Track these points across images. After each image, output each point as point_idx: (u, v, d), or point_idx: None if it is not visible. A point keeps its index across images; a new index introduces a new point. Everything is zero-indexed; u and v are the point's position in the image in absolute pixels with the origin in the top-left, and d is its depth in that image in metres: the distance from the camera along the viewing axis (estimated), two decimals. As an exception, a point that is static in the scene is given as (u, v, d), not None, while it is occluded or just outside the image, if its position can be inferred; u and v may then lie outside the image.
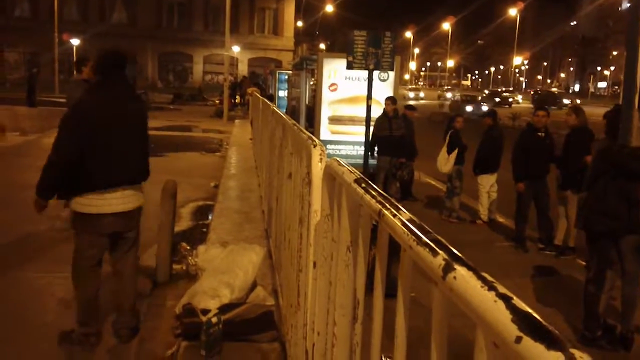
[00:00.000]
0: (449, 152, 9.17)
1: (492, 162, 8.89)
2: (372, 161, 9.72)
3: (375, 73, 7.99)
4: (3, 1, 47.55)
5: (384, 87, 9.31)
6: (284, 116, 4.45)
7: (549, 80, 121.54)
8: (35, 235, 6.57)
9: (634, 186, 4.76)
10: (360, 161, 8.10)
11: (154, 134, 4.78)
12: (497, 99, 52.23)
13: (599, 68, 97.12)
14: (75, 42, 39.90)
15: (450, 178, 9.29)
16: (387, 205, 1.45)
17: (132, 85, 4.34)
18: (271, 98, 19.20)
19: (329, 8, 64.62)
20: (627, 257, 4.89)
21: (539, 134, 7.64)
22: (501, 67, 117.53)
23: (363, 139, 7.81)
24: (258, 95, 13.02)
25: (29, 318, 4.74)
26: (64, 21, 42.93)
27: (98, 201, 3.99)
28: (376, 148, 9.77)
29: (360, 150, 8.51)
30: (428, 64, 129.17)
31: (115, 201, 4.04)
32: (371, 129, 8.85)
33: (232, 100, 29.49)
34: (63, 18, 43.13)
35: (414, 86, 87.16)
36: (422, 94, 65.96)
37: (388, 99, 9.98)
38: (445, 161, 9.17)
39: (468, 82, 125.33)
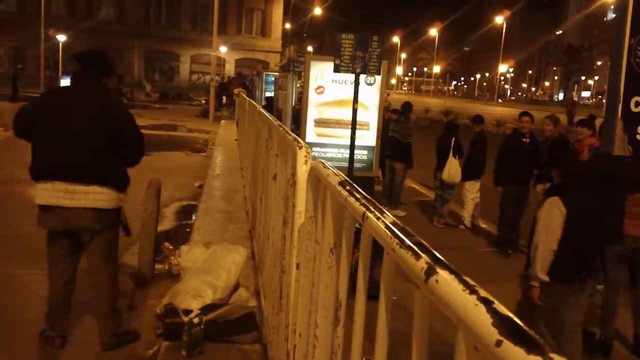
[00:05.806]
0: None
1: (480, 168, 8.91)
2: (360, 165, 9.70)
3: (362, 77, 7.98)
4: (-12, -5, 47.18)
5: (370, 90, 9.31)
6: (270, 117, 4.44)
7: (533, 89, 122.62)
8: (21, 230, 6.48)
9: (618, 195, 4.80)
10: (346, 164, 8.09)
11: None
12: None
13: (583, 77, 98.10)
14: (61, 38, 39.44)
15: (447, 185, 9.20)
16: (370, 208, 1.45)
17: (90, 80, 4.04)
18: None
19: (318, 11, 64.69)
20: (609, 266, 4.94)
21: (523, 139, 7.70)
22: (487, 74, 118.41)
23: (349, 142, 7.78)
24: (244, 96, 12.99)
25: (10, 315, 4.69)
26: (51, 16, 42.37)
27: (36, 191, 3.94)
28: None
29: (346, 153, 8.47)
30: (414, 69, 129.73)
31: (45, 193, 3.85)
32: (358, 132, 8.82)
33: (219, 101, 29.43)
34: (50, 13, 42.63)
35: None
36: None
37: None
38: (459, 170, 9.02)
39: (452, 88, 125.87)
